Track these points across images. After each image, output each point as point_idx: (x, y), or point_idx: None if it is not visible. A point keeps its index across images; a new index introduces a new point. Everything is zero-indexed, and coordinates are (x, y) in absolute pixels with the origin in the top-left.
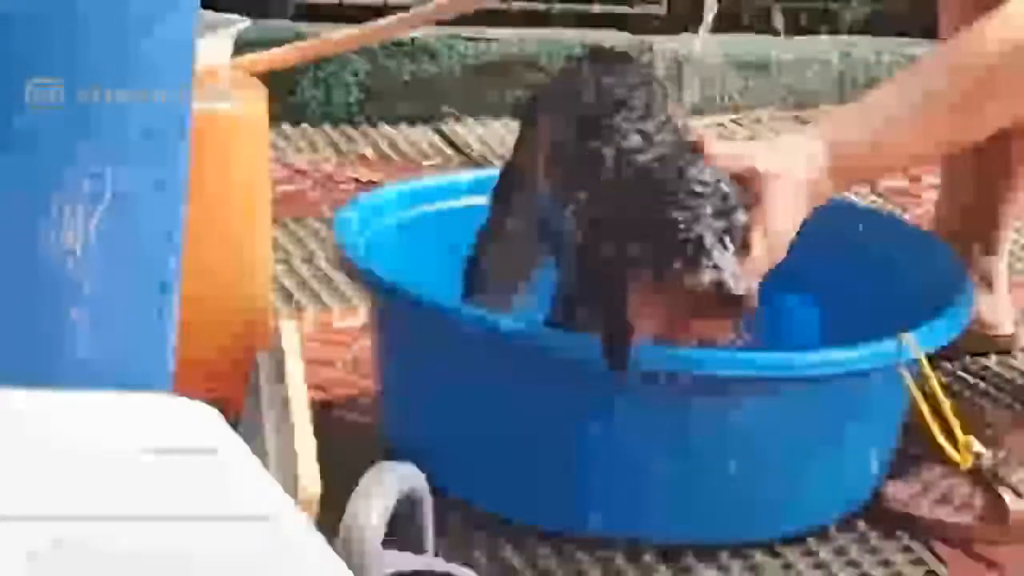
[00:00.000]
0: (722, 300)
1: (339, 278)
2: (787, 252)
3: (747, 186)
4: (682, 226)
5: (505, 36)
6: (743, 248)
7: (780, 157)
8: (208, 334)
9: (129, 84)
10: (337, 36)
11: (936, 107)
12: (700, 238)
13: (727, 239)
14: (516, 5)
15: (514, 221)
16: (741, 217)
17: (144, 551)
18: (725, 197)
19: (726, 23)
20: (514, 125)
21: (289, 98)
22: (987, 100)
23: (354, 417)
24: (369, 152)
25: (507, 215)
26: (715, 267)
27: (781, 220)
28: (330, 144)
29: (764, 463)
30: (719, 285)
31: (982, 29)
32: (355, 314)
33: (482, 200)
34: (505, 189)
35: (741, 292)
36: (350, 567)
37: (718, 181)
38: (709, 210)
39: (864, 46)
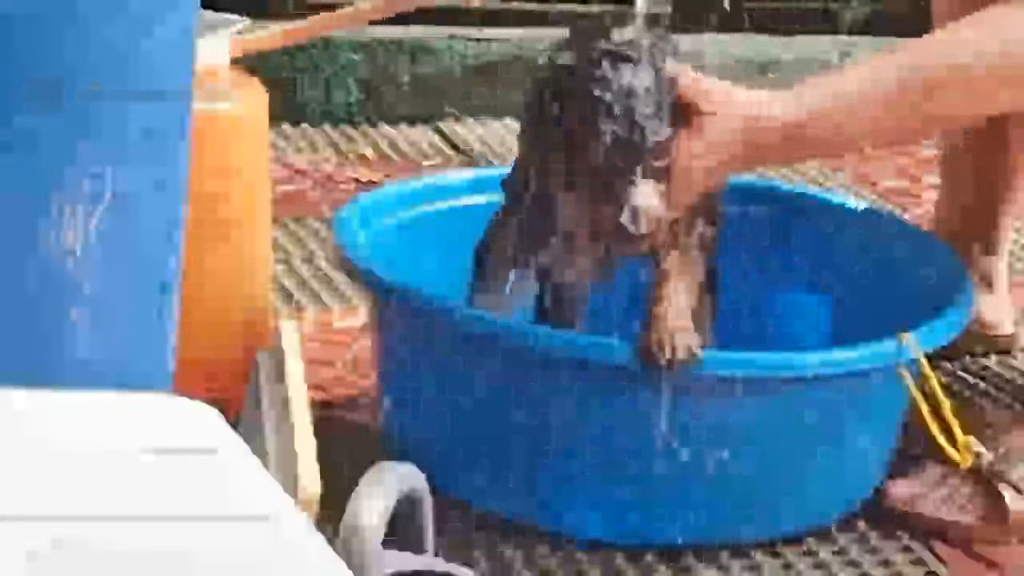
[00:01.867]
0: (622, 237)
1: (339, 278)
2: (706, 190)
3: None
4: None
5: (505, 36)
6: (661, 174)
7: (733, 91)
8: (208, 334)
9: (129, 84)
10: (319, 17)
11: (900, 98)
12: (616, 168)
13: (642, 167)
14: (516, 5)
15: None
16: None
17: (144, 551)
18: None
19: (726, 23)
20: (514, 125)
21: (289, 98)
22: (950, 107)
23: (354, 417)
24: (369, 152)
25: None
26: (621, 205)
27: (705, 149)
28: (330, 144)
29: (764, 463)
30: (620, 227)
31: (957, 29)
32: (355, 314)
33: (482, 200)
34: (515, 180)
35: (642, 232)
36: (350, 567)
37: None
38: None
39: (864, 46)
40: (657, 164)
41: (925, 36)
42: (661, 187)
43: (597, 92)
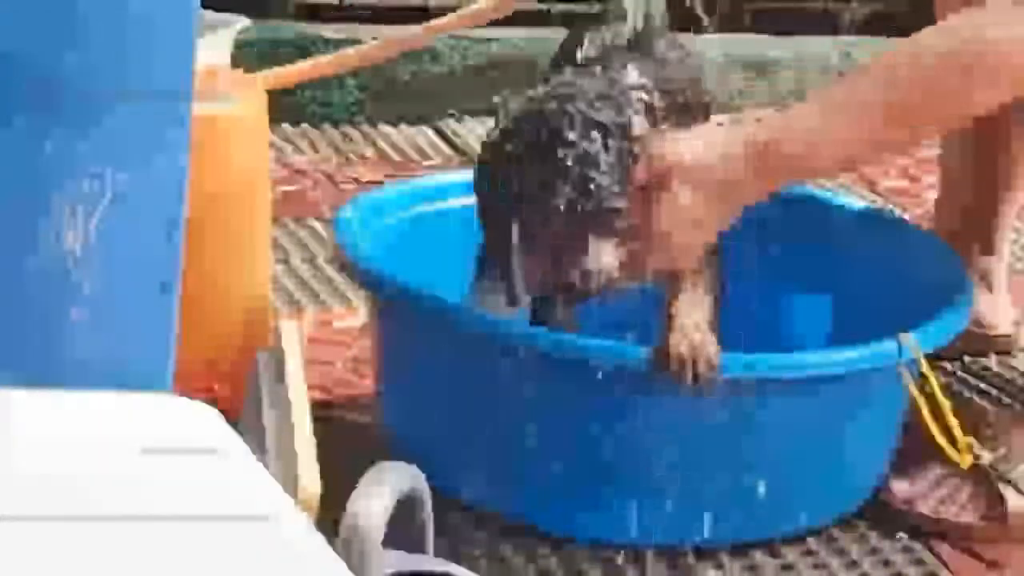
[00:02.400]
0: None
1: (339, 278)
2: (702, 243)
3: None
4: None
5: (505, 36)
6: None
7: (696, 150)
8: (208, 334)
9: (129, 84)
10: (363, 48)
11: (871, 114)
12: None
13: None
14: (516, 5)
15: None
16: (617, 203)
17: (144, 551)
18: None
19: (726, 23)
20: None
21: (289, 98)
22: (920, 108)
23: (354, 417)
24: (369, 152)
25: None
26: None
27: (676, 218)
28: (330, 144)
29: (764, 463)
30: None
31: (918, 38)
32: (355, 314)
33: None
34: None
35: (593, 291)
36: (350, 567)
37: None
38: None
39: (864, 46)
40: (614, 225)
41: (887, 53)
42: (615, 246)
43: (560, 154)
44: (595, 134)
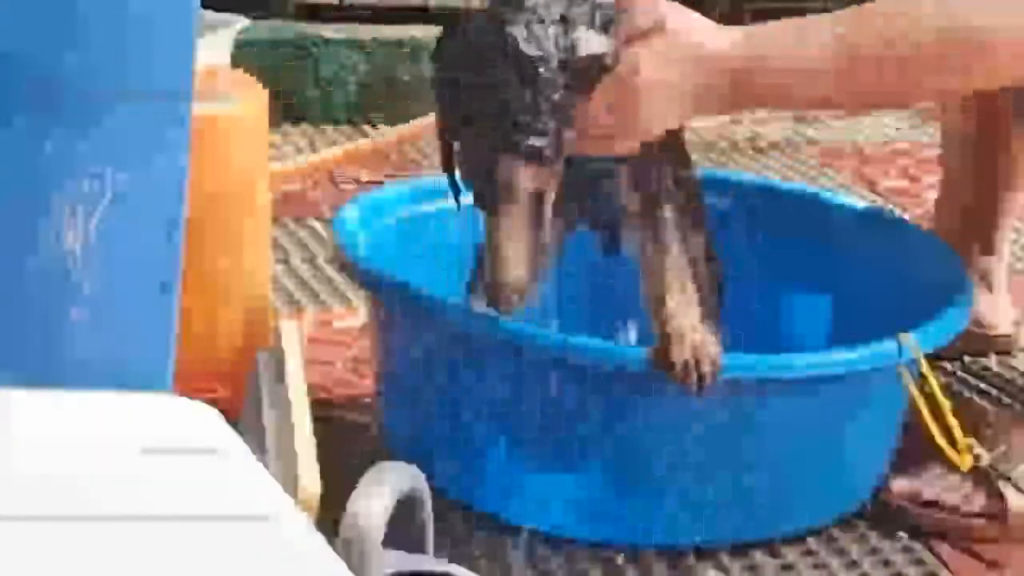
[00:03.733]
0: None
1: (339, 278)
2: (669, 126)
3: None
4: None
5: None
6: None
7: (690, 25)
8: (208, 334)
9: (129, 84)
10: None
11: (864, 57)
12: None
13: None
14: None
15: None
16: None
17: (144, 551)
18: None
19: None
20: None
21: (289, 98)
22: (915, 67)
23: (354, 417)
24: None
25: None
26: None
27: (654, 72)
28: (330, 144)
29: (764, 463)
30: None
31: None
32: (355, 314)
33: None
34: None
35: (500, 205)
36: (350, 567)
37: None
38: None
39: None
40: (536, 154)
41: (880, 5)
42: (529, 172)
43: (482, 78)
44: (521, 63)
